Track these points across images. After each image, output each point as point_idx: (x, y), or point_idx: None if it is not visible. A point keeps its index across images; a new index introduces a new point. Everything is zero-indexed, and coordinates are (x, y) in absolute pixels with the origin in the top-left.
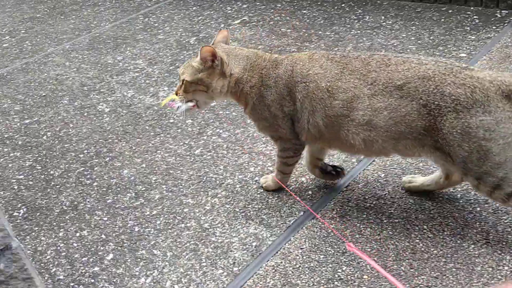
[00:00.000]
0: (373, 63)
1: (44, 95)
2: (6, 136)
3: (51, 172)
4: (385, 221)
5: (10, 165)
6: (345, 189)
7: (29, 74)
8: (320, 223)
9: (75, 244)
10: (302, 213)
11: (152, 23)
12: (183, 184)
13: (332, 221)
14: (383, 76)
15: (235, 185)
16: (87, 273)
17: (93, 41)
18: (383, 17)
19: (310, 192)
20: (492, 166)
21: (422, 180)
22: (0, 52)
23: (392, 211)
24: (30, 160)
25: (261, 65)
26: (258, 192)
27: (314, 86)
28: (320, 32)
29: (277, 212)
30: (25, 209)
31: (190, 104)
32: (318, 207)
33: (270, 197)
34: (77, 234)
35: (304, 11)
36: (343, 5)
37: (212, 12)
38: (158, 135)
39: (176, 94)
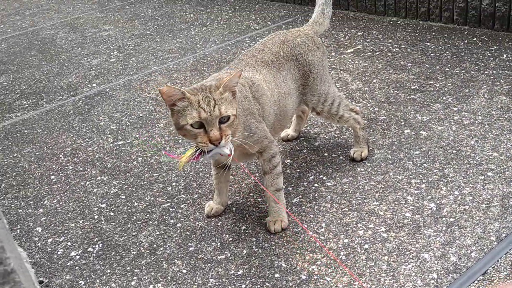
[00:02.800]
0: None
1: (141, 116)
2: (97, 156)
3: (135, 204)
4: None
5: (95, 190)
6: (481, 277)
7: (130, 92)
8: None
9: None
10: None
11: None
12: (275, 241)
13: None
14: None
15: (339, 251)
16: None
17: (197, 62)
18: None
19: (435, 276)
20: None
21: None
22: (107, 67)
23: None
24: (116, 187)
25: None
26: (368, 266)
27: (261, 86)
28: (447, 69)
29: None
30: (100, 245)
31: (227, 150)
32: None
33: (383, 274)
34: (151, 286)
35: (428, 44)
36: (474, 39)
37: (323, 38)
38: (253, 173)
39: (221, 138)
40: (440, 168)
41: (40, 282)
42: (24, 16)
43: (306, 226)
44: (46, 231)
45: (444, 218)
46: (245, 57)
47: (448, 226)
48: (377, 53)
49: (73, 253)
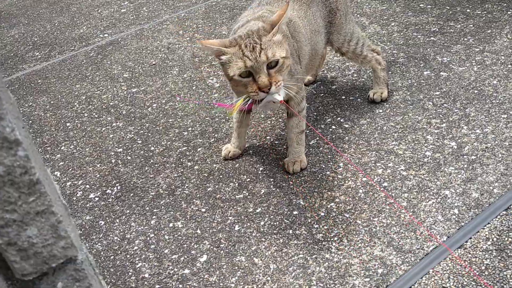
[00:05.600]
0: None
1: (154, 64)
2: (111, 104)
3: (152, 148)
4: None
5: (111, 136)
6: (504, 212)
7: (142, 41)
8: (470, 254)
9: (166, 237)
10: (445, 238)
11: None
12: (293, 180)
13: (486, 255)
14: None
15: (358, 189)
16: (175, 275)
17: (209, 9)
18: None
19: (456, 211)
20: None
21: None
22: (118, 17)
23: None
24: (132, 133)
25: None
26: (387, 203)
27: (296, 23)
28: (468, 10)
29: (412, 233)
30: (119, 187)
31: (280, 96)
32: (467, 233)
33: (403, 211)
34: (170, 225)
35: None
36: None
37: None
38: (269, 118)
39: (270, 84)
40: (461, 108)
41: None
42: None
43: (323, 166)
44: (65, 175)
45: (465, 156)
46: None
47: (469, 164)
48: None
49: (92, 195)
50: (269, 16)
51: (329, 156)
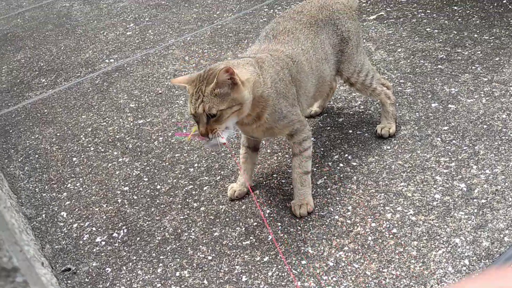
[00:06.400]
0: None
1: (160, 93)
2: (117, 137)
3: (158, 186)
4: None
5: (117, 173)
6: None
7: (148, 67)
8: None
9: (173, 287)
10: None
11: (277, 15)
12: (301, 225)
13: None
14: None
15: (367, 237)
16: None
17: (214, 33)
18: None
19: (466, 262)
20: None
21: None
22: (124, 41)
23: None
24: (138, 169)
25: (266, 64)
26: (396, 252)
27: (300, 63)
28: (475, 36)
29: (422, 286)
30: (125, 230)
31: (223, 139)
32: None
33: (413, 261)
34: (177, 274)
35: (455, 8)
36: (504, 1)
37: None
38: (276, 153)
39: (207, 133)
40: (470, 145)
41: (68, 270)
42: None
43: (332, 209)
44: (71, 216)
45: (475, 200)
46: (282, 20)
47: (479, 208)
48: (401, 20)
49: (98, 239)
50: (270, 60)
51: (337, 198)
